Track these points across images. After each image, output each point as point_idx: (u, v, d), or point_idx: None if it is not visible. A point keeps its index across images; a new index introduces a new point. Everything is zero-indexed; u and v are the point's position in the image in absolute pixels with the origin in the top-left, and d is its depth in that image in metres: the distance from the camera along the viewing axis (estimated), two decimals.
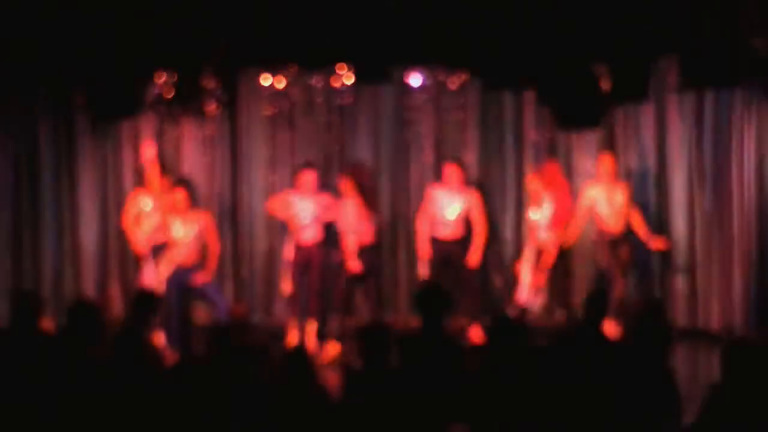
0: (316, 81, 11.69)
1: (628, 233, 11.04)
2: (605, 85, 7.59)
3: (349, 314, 11.25)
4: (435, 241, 10.92)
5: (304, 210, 10.89)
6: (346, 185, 10.83)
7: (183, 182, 10.93)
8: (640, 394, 5.83)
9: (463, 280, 10.85)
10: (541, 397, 5.59)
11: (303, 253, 10.91)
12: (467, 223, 10.98)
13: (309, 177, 10.85)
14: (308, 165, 11.08)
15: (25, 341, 7.17)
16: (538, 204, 10.80)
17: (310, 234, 10.90)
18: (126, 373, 6.31)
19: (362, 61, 8.22)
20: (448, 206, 10.86)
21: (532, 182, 10.94)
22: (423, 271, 10.95)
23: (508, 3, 7.03)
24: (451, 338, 7.19)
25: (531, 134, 11.83)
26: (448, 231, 10.88)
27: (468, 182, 11.14)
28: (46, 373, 6.56)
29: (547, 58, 7.24)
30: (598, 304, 7.78)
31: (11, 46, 7.30)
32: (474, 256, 10.86)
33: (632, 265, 11.14)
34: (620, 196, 10.93)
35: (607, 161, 10.85)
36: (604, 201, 10.83)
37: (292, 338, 10.90)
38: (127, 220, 10.92)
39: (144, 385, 6.18)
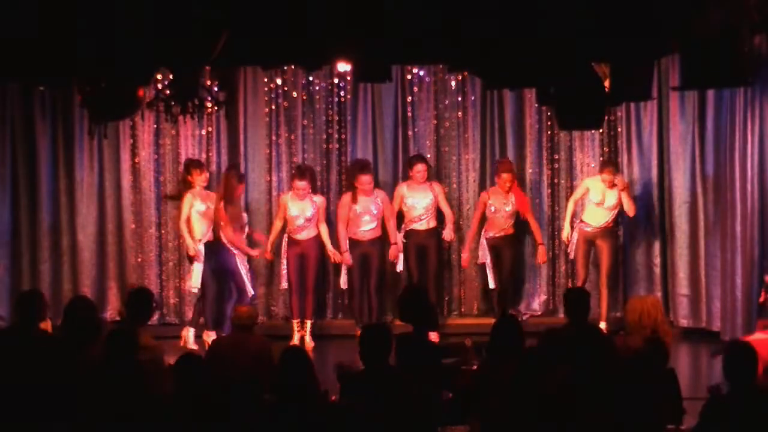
0: (315, 79, 11.69)
1: (609, 231, 11.18)
2: (606, 84, 7.53)
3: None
4: (410, 234, 11.32)
5: (299, 211, 11.04)
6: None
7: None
8: (640, 393, 5.80)
9: (433, 270, 11.39)
10: (539, 396, 5.56)
11: (299, 253, 11.10)
12: (438, 215, 11.39)
13: (302, 182, 11.02)
14: (302, 170, 11.18)
15: (24, 341, 7.15)
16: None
17: (305, 234, 11.10)
18: (119, 371, 6.29)
19: (362, 60, 8.15)
20: (419, 201, 11.28)
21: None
22: (399, 265, 11.37)
23: (508, 2, 6.97)
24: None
25: (532, 134, 11.83)
26: (422, 224, 11.30)
27: (432, 177, 11.52)
28: (45, 372, 6.55)
29: (547, 57, 7.18)
30: (579, 302, 7.76)
31: (9, 45, 7.25)
32: (448, 232, 11.40)
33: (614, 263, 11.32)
34: (613, 198, 11.03)
35: (606, 174, 11.04)
36: (598, 192, 11.08)
37: (294, 338, 11.00)
38: (182, 222, 11.02)
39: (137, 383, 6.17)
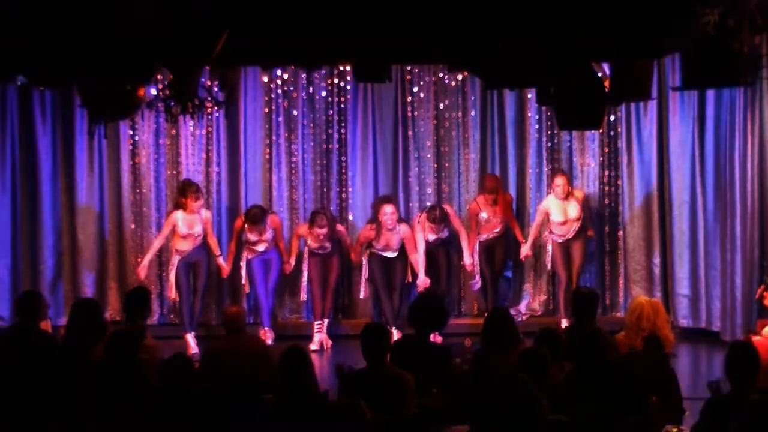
0: (315, 79, 11.69)
1: (578, 235, 11.32)
2: (606, 84, 7.53)
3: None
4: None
5: (318, 245, 11.18)
6: None
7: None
8: (640, 393, 5.79)
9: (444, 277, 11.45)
10: (538, 396, 5.55)
11: (321, 257, 11.25)
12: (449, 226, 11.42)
13: (323, 230, 10.99)
14: (317, 216, 11.19)
15: (25, 341, 7.16)
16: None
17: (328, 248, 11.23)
18: (121, 371, 6.30)
19: (362, 60, 8.15)
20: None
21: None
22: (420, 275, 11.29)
23: (508, 2, 6.97)
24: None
25: (532, 134, 11.84)
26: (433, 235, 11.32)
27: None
28: (47, 371, 6.55)
29: (547, 57, 7.18)
30: (586, 304, 7.76)
31: (8, 45, 7.25)
32: (467, 258, 11.39)
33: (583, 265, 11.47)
34: (574, 209, 11.13)
35: (560, 182, 11.20)
36: (558, 213, 11.21)
37: (315, 339, 11.07)
38: (156, 240, 11.16)
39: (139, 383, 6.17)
